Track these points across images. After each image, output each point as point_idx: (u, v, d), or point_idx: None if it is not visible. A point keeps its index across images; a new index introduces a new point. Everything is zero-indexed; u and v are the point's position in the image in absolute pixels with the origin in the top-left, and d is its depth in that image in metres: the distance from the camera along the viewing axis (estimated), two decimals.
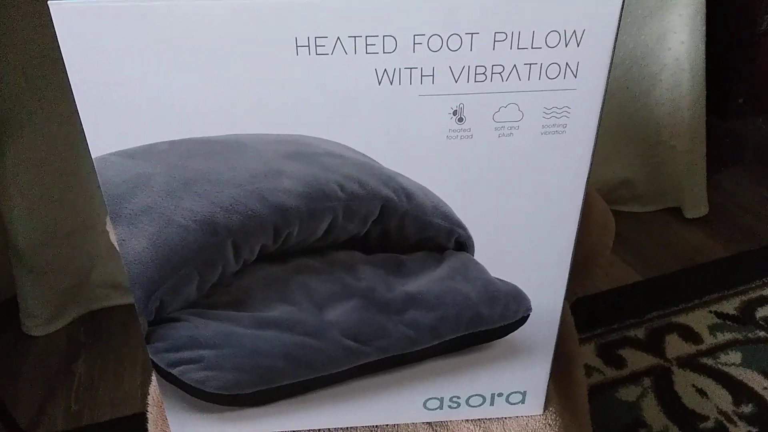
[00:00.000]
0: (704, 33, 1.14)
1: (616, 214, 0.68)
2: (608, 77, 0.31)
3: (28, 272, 1.00)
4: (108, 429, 0.90)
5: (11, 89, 0.89)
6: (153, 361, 0.38)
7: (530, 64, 0.31)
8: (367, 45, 0.30)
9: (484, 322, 0.39)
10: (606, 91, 0.32)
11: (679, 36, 1.13)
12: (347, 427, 0.43)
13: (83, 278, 1.07)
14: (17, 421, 0.85)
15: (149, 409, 0.46)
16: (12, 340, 1.05)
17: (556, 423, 0.43)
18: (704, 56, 1.16)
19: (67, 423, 0.91)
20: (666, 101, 1.20)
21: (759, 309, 1.06)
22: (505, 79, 0.31)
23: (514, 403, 0.43)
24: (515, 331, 0.40)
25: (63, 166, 0.96)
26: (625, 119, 1.23)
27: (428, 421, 0.43)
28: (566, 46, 0.30)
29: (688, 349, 0.99)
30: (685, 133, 1.21)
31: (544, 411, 0.44)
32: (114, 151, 0.32)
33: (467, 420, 0.43)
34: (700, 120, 1.21)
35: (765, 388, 0.92)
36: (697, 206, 1.30)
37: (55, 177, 0.96)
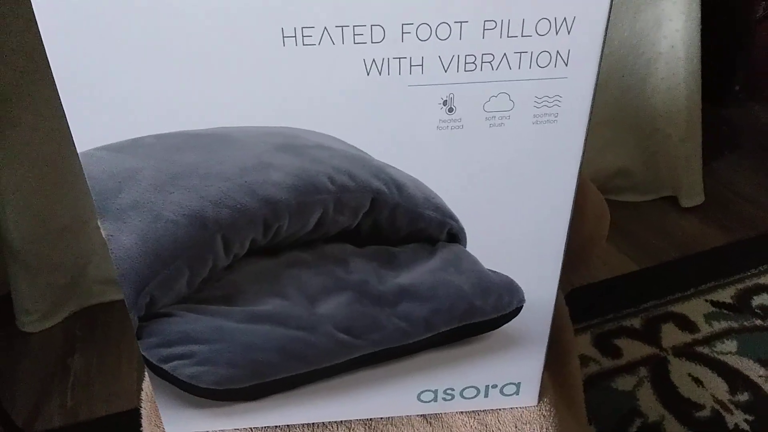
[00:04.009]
0: (700, 20, 1.13)
1: (611, 204, 0.68)
2: (600, 65, 0.31)
3: (23, 268, 1.00)
4: (104, 424, 0.90)
5: (3, 86, 0.88)
6: (144, 357, 0.38)
7: (520, 52, 0.30)
8: (354, 35, 0.29)
9: (477, 313, 0.38)
10: (598, 79, 0.31)
11: (674, 23, 1.13)
12: (341, 421, 0.43)
13: (78, 274, 1.06)
14: (12, 418, 0.85)
15: (143, 404, 0.46)
16: (7, 337, 1.05)
17: (551, 414, 0.43)
18: (700, 44, 1.15)
19: (63, 419, 0.91)
20: (662, 89, 1.19)
21: (755, 297, 1.06)
22: (495, 68, 0.30)
23: (509, 395, 0.43)
24: (509, 323, 0.39)
25: (56, 161, 0.96)
26: (620, 108, 1.22)
27: (423, 413, 0.43)
28: (557, 33, 0.30)
29: (684, 338, 0.99)
30: (681, 122, 1.21)
31: (539, 402, 0.44)
32: (100, 145, 0.31)
33: (462, 412, 0.43)
34: (696, 108, 1.21)
35: (761, 377, 0.92)
36: (693, 195, 1.30)
37: (48, 173, 0.96)
